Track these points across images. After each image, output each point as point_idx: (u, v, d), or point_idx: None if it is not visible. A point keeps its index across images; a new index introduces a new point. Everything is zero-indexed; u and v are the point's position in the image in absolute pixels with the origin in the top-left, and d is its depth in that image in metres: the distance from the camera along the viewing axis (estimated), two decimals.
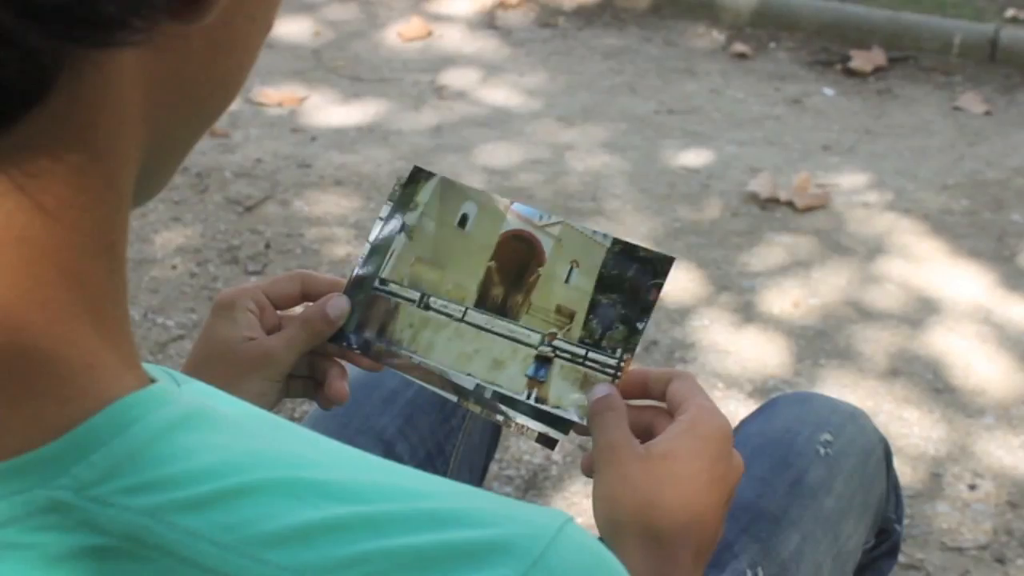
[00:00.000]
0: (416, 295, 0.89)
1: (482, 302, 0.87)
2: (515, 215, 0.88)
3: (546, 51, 3.73)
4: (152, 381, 0.45)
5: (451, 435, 1.16)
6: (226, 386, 0.84)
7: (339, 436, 1.11)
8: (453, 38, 3.80)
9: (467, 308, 0.87)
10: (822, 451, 1.08)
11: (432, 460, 1.14)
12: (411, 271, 0.89)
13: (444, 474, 1.14)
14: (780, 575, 1.01)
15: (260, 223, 2.67)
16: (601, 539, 0.77)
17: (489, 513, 0.44)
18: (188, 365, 0.89)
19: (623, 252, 0.86)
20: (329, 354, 0.91)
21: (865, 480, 1.11)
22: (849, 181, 2.96)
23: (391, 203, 0.91)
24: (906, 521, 1.83)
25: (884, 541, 1.17)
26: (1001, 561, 1.86)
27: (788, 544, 1.02)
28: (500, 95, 3.42)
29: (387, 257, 0.90)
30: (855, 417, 1.15)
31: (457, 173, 2.94)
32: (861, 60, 3.58)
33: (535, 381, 0.85)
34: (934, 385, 2.23)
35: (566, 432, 0.87)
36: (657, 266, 0.85)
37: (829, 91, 3.49)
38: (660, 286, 0.85)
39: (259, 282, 0.93)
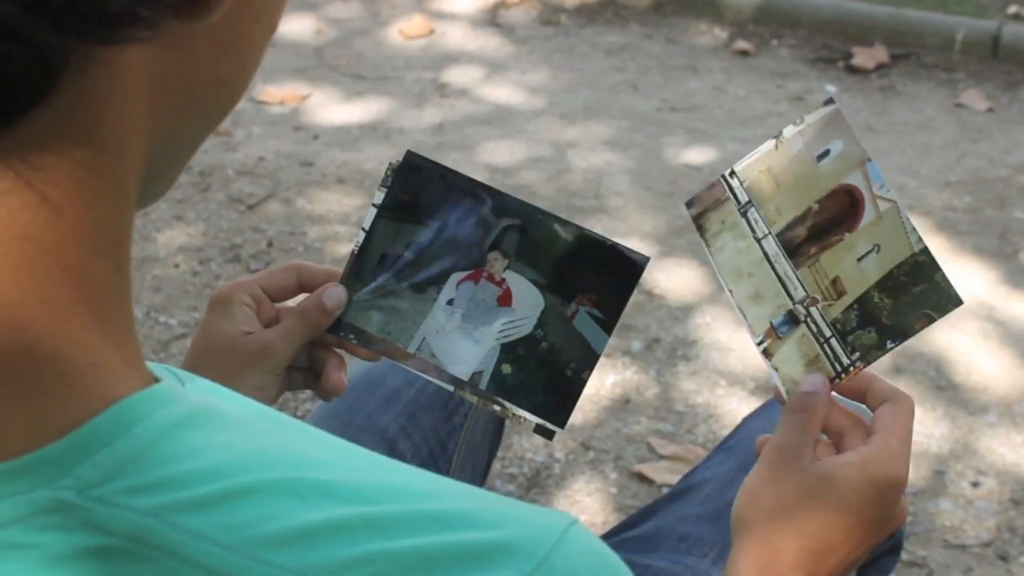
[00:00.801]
0: (745, 199, 0.86)
1: (784, 234, 0.84)
2: (863, 173, 0.84)
3: (548, 49, 3.73)
4: (156, 380, 0.45)
5: (454, 433, 1.16)
6: (225, 381, 0.84)
7: (342, 434, 1.10)
8: (455, 36, 3.80)
9: (770, 233, 0.85)
10: None
11: (435, 458, 1.14)
12: (757, 176, 0.86)
13: (447, 472, 1.14)
14: None
15: (262, 221, 2.67)
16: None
17: (494, 514, 0.44)
18: (187, 362, 0.89)
19: (925, 265, 0.84)
20: (327, 345, 0.91)
21: None
22: None
23: (384, 189, 0.90)
24: (909, 518, 1.83)
25: (887, 539, 1.17)
26: (1004, 558, 1.85)
27: None
28: (502, 93, 3.42)
29: (751, 154, 0.87)
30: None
31: (460, 171, 2.94)
32: (863, 57, 3.58)
33: (774, 332, 0.84)
34: (936, 382, 2.23)
35: (562, 425, 0.87)
36: (944, 301, 0.83)
37: (831, 88, 3.48)
38: (932, 320, 0.82)
39: (255, 275, 0.92)
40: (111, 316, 0.44)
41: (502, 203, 0.88)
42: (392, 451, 1.12)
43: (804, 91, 3.47)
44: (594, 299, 0.87)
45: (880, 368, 2.24)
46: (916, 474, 2.00)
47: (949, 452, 2.06)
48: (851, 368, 0.82)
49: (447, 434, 1.15)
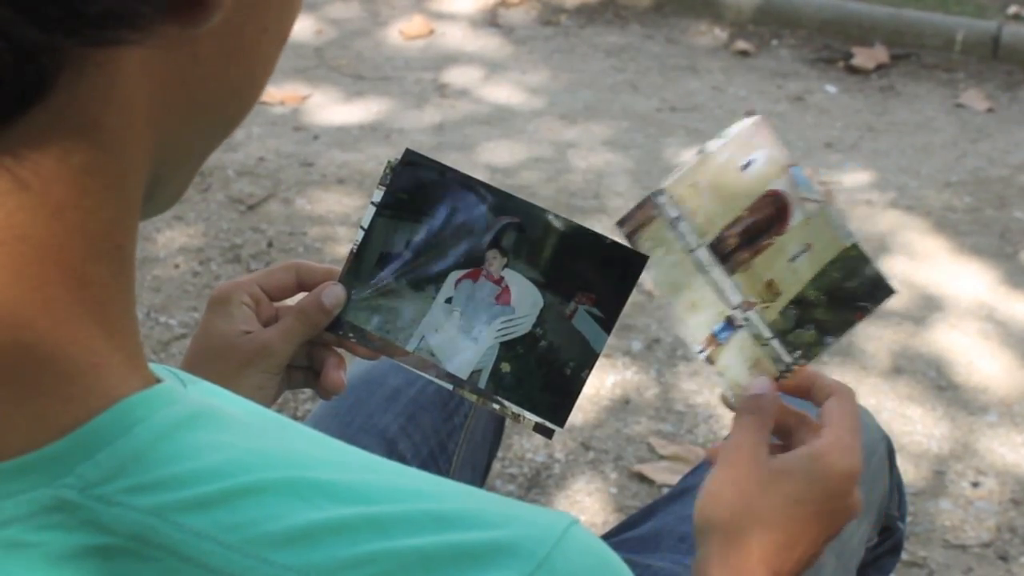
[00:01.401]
0: (675, 214, 0.86)
1: (716, 243, 0.85)
2: (788, 178, 0.86)
3: (548, 49, 3.73)
4: (158, 381, 0.45)
5: (454, 433, 1.16)
6: (225, 380, 0.85)
7: (342, 435, 1.11)
8: (455, 36, 3.80)
9: (702, 244, 0.85)
10: None
11: (435, 458, 1.14)
12: (685, 191, 0.87)
13: (447, 472, 1.14)
14: None
15: (262, 222, 2.68)
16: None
17: (494, 514, 0.44)
18: (186, 362, 0.89)
19: (856, 259, 0.85)
20: (327, 343, 0.91)
21: (868, 478, 1.11)
22: (851, 178, 2.96)
23: (383, 187, 0.90)
24: (909, 519, 1.83)
25: (887, 539, 1.17)
26: (1004, 558, 1.85)
27: None
28: (502, 93, 3.42)
29: (677, 169, 0.87)
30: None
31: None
32: (863, 57, 3.58)
33: (714, 340, 0.84)
34: (937, 383, 2.23)
35: (562, 424, 0.87)
36: (877, 291, 0.84)
37: (831, 88, 3.48)
38: (867, 312, 0.84)
39: (253, 275, 0.92)
40: (112, 317, 0.44)
41: (501, 201, 0.88)
42: (392, 451, 1.12)
43: (804, 91, 3.47)
44: (593, 297, 0.87)
45: (881, 368, 2.25)
46: (916, 474, 2.01)
47: (949, 452, 2.07)
48: (794, 366, 0.84)
49: (447, 434, 1.15)
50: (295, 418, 1.89)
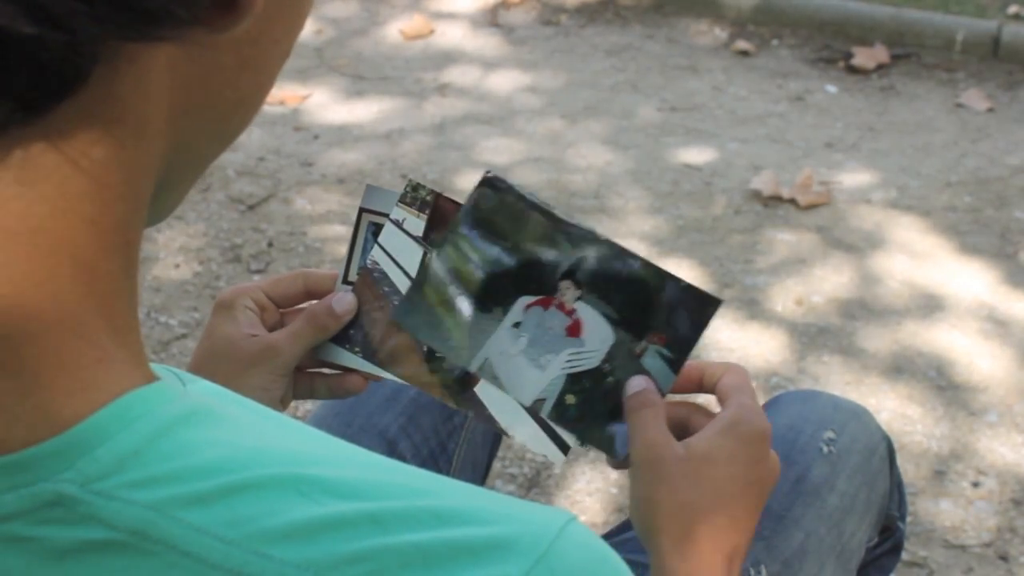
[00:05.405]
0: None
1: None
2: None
3: (548, 49, 3.73)
4: (158, 379, 0.45)
5: (454, 433, 1.16)
6: (230, 381, 0.85)
7: (342, 434, 1.11)
8: (455, 36, 3.80)
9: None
10: (825, 449, 1.08)
11: (435, 458, 1.14)
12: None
13: (447, 472, 1.14)
14: (783, 573, 1.00)
15: (263, 222, 2.68)
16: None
17: (493, 511, 0.44)
18: (192, 364, 0.89)
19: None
20: (326, 364, 0.91)
21: (868, 478, 1.11)
22: (852, 178, 2.96)
23: (402, 206, 0.90)
24: (909, 519, 1.83)
25: (887, 539, 1.17)
26: (1004, 558, 1.85)
27: (791, 542, 1.02)
28: (502, 93, 3.42)
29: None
30: (858, 415, 1.14)
31: (460, 171, 2.94)
32: (864, 57, 3.58)
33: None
34: (937, 382, 2.23)
35: (565, 453, 0.87)
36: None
37: (832, 88, 3.48)
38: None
39: (260, 281, 0.93)
40: (118, 313, 0.44)
41: (580, 233, 0.87)
42: (392, 451, 1.12)
43: (804, 91, 3.47)
44: (664, 338, 0.85)
45: (881, 368, 2.25)
46: (916, 474, 2.01)
47: (949, 452, 2.06)
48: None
49: (447, 434, 1.15)
50: (295, 418, 1.89)
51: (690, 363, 0.85)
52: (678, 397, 0.88)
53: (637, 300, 0.86)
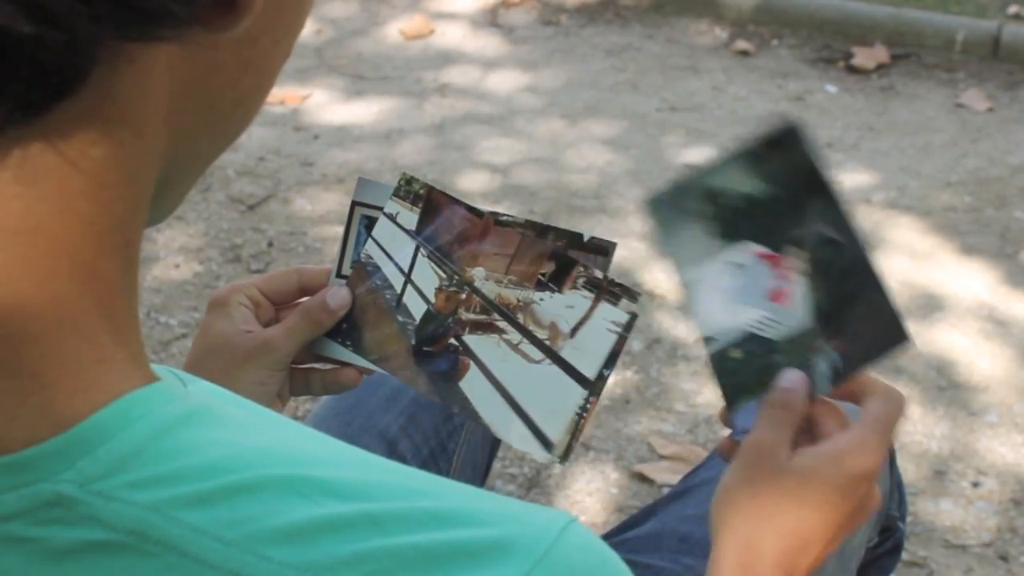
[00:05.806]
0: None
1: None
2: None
3: (548, 49, 3.73)
4: (158, 379, 0.45)
5: (454, 433, 1.16)
6: (226, 376, 0.85)
7: (342, 435, 1.11)
8: (455, 36, 3.80)
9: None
10: None
11: (435, 458, 1.14)
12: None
13: (447, 472, 1.14)
14: None
15: (263, 221, 2.68)
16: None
17: (492, 513, 0.44)
18: (188, 361, 0.89)
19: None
20: (320, 358, 0.91)
21: None
22: (852, 178, 2.96)
23: (395, 199, 0.90)
24: (909, 519, 1.83)
25: (887, 539, 1.17)
26: (1004, 558, 1.85)
27: None
28: (502, 93, 3.42)
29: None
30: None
31: (459, 171, 2.94)
32: (864, 57, 3.58)
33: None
34: (937, 383, 2.23)
35: (549, 451, 0.87)
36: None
37: (832, 88, 3.48)
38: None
39: (254, 278, 0.93)
40: (118, 314, 0.44)
41: (832, 214, 0.84)
42: (392, 451, 1.12)
43: (804, 91, 3.47)
44: (846, 349, 0.84)
45: (881, 368, 2.24)
46: (916, 474, 2.01)
47: (949, 452, 2.06)
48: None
49: (447, 434, 1.15)
50: (295, 418, 1.89)
51: (865, 375, 0.82)
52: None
53: (844, 302, 0.84)
